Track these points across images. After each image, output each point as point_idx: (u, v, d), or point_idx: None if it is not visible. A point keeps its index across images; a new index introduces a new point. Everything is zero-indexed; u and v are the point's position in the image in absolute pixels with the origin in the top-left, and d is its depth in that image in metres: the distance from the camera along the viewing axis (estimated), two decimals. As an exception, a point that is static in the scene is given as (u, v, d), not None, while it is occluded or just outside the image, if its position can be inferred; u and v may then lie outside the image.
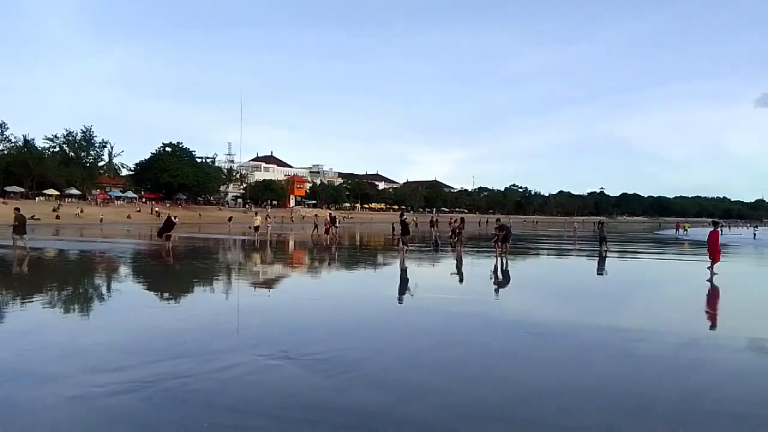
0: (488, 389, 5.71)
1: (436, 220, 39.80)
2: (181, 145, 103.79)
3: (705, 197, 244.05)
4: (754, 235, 57.29)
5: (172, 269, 18.20)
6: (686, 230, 65.32)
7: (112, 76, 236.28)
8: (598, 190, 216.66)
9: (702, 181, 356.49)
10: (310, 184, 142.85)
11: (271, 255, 24.47)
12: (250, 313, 9.94)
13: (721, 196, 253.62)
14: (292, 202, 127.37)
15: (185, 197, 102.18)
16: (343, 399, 5.30)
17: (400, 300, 12.25)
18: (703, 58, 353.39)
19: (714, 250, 17.10)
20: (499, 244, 22.59)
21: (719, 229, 18.03)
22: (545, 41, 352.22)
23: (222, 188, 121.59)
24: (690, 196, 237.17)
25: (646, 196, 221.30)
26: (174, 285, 14.53)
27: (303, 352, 6.91)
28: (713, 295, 13.82)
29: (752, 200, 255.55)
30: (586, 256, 27.66)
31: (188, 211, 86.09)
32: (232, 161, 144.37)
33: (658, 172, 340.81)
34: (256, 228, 34.99)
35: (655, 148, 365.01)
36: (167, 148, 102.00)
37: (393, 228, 37.63)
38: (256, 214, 39.00)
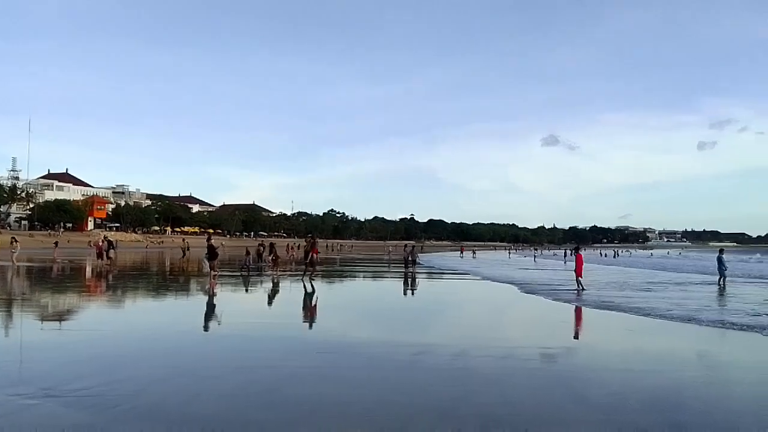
0: (269, 412, 5.70)
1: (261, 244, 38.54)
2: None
3: (498, 224, 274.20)
4: (534, 257, 65.68)
5: None
6: (474, 254, 71.36)
7: None
8: (408, 216, 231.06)
9: (496, 210, 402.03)
10: (113, 206, 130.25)
11: (26, 284, 21.47)
12: (7, 351, 8.68)
13: (511, 223, 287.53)
14: (90, 225, 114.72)
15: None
16: (107, 435, 4.88)
17: (206, 327, 11.73)
18: (498, 102, 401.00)
19: (579, 268, 20.35)
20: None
21: (580, 252, 21.79)
22: (364, 78, 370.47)
23: (3, 208, 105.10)
24: (486, 223, 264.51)
25: (450, 222, 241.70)
26: None
27: (69, 389, 6.23)
28: (489, 312, 15.55)
29: (535, 227, 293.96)
30: (396, 277, 29.26)
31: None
32: (17, 178, 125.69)
33: (460, 200, 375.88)
34: None
35: (458, 179, 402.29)
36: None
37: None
38: None
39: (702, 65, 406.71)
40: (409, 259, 31.57)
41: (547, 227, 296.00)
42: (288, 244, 46.57)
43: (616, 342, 10.85)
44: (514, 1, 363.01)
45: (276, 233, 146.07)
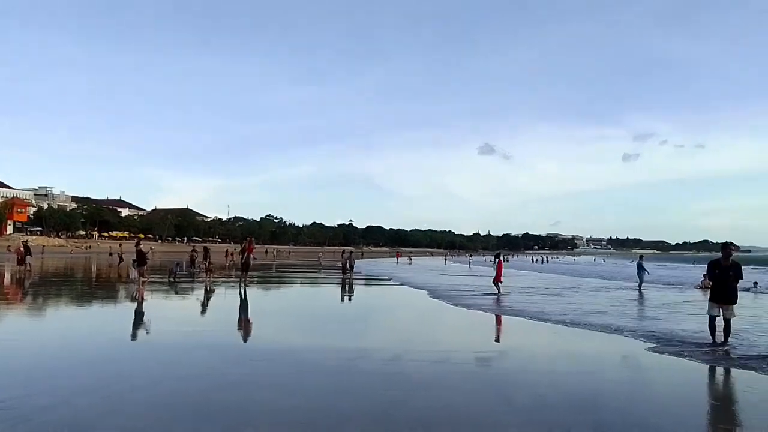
0: (199, 422, 5.54)
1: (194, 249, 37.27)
2: None
3: (435, 230, 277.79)
4: (469, 264, 66.94)
5: None
6: (410, 261, 72.22)
7: None
8: (347, 222, 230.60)
9: (433, 216, 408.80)
10: (35, 209, 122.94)
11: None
12: None
13: (448, 230, 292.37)
14: (10, 229, 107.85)
15: None
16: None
17: (134, 336, 11.23)
18: (436, 110, 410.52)
19: (498, 274, 21.78)
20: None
21: (502, 258, 23.53)
22: (298, 80, 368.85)
23: None
24: (423, 229, 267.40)
25: (387, 228, 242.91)
26: None
27: (-22, 403, 5.81)
28: (419, 318, 15.79)
29: (471, 233, 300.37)
30: (332, 283, 29.11)
31: None
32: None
33: (397, 207, 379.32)
34: None
35: (396, 185, 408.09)
36: None
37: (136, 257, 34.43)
38: None
39: (627, 80, 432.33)
40: (347, 265, 31.51)
41: (482, 234, 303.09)
42: (227, 250, 45.37)
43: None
44: (450, 9, 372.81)
45: (211, 238, 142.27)
